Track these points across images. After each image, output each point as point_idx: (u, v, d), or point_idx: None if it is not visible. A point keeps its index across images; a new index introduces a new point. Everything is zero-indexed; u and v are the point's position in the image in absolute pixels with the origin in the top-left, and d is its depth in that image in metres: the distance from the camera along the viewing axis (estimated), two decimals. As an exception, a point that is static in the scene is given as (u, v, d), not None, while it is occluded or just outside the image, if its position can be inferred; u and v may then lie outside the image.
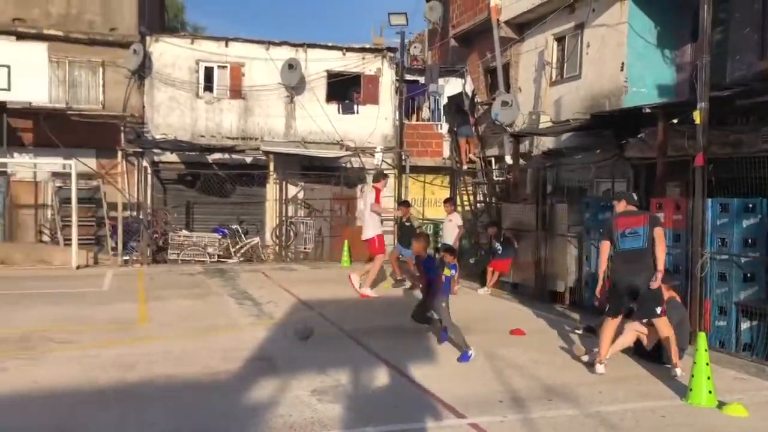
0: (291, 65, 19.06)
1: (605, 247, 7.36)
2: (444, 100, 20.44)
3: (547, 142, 15.78)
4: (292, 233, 19.48)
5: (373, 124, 20.18)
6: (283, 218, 19.36)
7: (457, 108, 19.17)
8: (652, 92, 13.63)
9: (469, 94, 19.00)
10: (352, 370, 7.03)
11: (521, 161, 15.75)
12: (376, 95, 20.37)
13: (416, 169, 20.61)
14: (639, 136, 12.12)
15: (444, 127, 20.76)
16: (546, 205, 12.71)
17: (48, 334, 8.54)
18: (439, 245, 15.42)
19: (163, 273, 15.41)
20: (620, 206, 7.43)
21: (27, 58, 15.61)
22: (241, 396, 6.17)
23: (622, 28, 13.84)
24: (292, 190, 19.74)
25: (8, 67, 15.34)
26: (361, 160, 20.22)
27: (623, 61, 13.83)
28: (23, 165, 17.45)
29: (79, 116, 17.62)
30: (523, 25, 17.25)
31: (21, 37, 17.11)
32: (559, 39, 16.12)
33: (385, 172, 16.49)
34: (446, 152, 20.60)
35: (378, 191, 12.43)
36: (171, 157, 18.94)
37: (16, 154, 17.04)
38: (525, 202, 13.96)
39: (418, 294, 12.41)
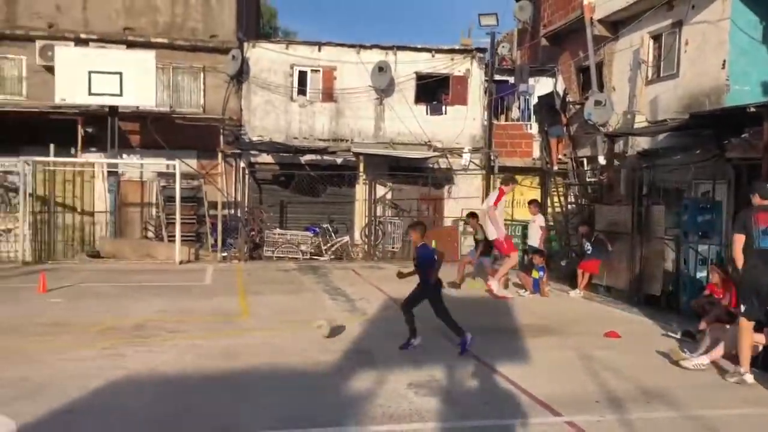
0: (381, 68, 19.42)
1: (740, 240, 6.84)
2: (534, 100, 20.26)
3: (642, 143, 15.38)
4: (380, 232, 19.83)
5: (461, 124, 20.24)
6: (372, 218, 19.73)
7: (547, 108, 18.94)
8: (756, 90, 13.06)
9: (561, 93, 18.74)
10: (446, 366, 7.17)
11: (615, 162, 15.44)
12: (465, 96, 20.43)
13: (505, 170, 20.42)
14: (743, 135, 11.67)
15: (534, 127, 20.57)
16: (642, 206, 12.44)
17: (159, 324, 9.12)
18: (527, 247, 15.32)
19: (259, 269, 16.05)
20: (755, 200, 6.94)
21: (137, 65, 16.58)
22: (341, 386, 6.44)
23: (723, 24, 13.34)
24: (380, 191, 20.11)
25: (120, 74, 16.34)
26: (448, 161, 20.33)
27: (725, 58, 13.32)
28: (131, 165, 18.60)
29: (182, 119, 18.65)
30: (617, 23, 16.89)
31: (130, 45, 18.28)
32: (656, 37, 15.68)
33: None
34: (536, 152, 20.41)
35: (501, 193, 12.14)
36: (266, 158, 19.73)
37: (125, 155, 18.17)
38: (619, 204, 13.69)
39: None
